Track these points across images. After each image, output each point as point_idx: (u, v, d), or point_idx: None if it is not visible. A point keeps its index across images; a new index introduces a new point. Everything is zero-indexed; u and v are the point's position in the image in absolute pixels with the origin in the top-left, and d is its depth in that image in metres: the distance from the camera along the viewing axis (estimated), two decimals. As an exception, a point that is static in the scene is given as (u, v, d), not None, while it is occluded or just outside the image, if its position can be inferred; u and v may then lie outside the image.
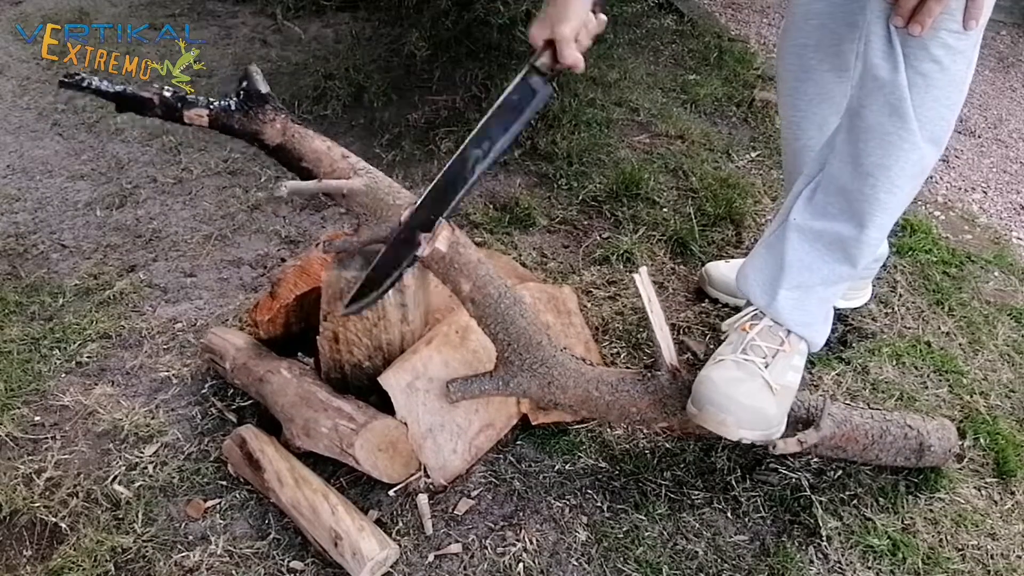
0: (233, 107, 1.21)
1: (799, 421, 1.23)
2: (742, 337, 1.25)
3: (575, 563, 1.19)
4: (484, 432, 1.32)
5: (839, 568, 1.21)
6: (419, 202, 1.19)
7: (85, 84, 1.14)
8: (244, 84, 1.23)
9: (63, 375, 1.45)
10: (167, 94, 1.18)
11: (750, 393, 1.17)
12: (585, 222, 1.92)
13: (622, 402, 1.23)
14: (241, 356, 1.36)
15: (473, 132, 1.18)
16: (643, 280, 1.29)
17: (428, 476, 1.27)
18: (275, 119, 1.24)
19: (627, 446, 1.36)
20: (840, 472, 1.35)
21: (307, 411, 1.25)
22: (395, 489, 1.25)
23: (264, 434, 1.26)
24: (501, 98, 1.18)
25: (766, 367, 1.21)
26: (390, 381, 1.28)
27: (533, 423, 1.32)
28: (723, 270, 1.68)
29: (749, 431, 1.16)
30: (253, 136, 1.24)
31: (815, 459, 1.36)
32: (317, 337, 1.32)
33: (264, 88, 1.24)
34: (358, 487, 1.27)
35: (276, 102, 1.25)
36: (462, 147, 1.19)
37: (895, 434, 1.26)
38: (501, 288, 1.19)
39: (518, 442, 1.35)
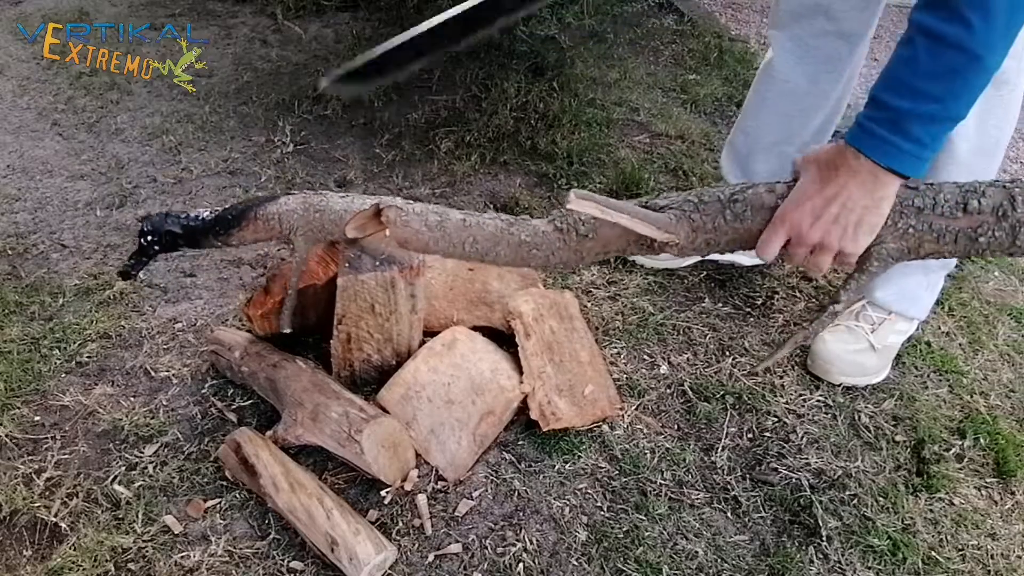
0: None
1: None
2: (857, 307, 1.55)
3: (575, 563, 1.19)
4: (485, 420, 1.33)
5: (839, 568, 1.21)
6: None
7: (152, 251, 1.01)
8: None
9: (63, 375, 1.44)
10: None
11: (855, 351, 1.49)
12: (585, 222, 1.92)
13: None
14: (254, 347, 1.39)
15: None
16: (580, 199, 0.96)
17: (442, 478, 1.28)
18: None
19: (627, 446, 1.36)
20: (840, 472, 1.35)
21: (319, 396, 1.27)
22: (387, 490, 1.25)
23: (259, 437, 1.26)
24: None
25: (872, 332, 1.51)
26: (385, 396, 1.32)
27: (544, 428, 1.32)
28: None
29: (847, 377, 1.50)
30: None
31: (815, 458, 1.37)
32: (331, 340, 1.33)
33: None
34: (357, 487, 1.27)
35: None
36: None
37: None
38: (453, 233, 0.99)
39: (518, 442, 1.35)
